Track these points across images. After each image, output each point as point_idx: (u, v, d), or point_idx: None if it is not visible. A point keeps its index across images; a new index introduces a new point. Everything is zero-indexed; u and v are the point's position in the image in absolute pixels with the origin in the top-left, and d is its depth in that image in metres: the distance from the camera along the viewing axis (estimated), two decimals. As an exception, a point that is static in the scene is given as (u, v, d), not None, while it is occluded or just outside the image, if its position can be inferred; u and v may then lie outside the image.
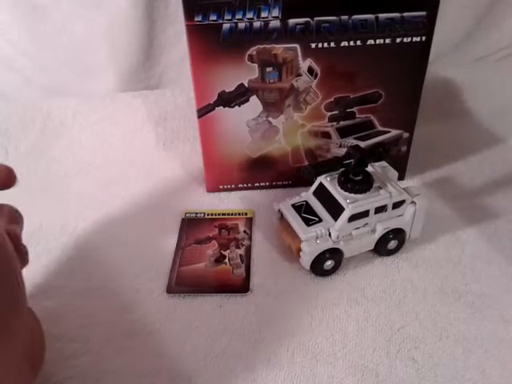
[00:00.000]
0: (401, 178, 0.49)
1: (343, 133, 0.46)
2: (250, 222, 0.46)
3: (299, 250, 0.39)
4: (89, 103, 0.65)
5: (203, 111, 0.44)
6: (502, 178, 0.52)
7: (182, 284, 0.40)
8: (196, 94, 0.43)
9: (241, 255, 0.42)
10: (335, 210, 0.39)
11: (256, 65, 0.41)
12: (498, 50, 0.75)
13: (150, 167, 0.55)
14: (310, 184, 0.43)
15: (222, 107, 0.44)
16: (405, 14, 0.39)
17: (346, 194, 0.39)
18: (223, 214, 0.47)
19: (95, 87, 0.69)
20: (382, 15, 0.39)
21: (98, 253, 0.44)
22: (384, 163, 0.43)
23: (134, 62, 0.69)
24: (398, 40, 0.41)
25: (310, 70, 0.42)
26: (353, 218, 0.39)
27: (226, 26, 0.39)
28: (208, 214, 0.47)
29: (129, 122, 0.62)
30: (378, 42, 0.41)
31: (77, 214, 0.48)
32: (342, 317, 0.37)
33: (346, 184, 0.39)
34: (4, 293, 0.25)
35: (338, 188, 0.40)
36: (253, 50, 0.40)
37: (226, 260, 0.42)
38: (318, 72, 0.42)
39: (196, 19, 0.38)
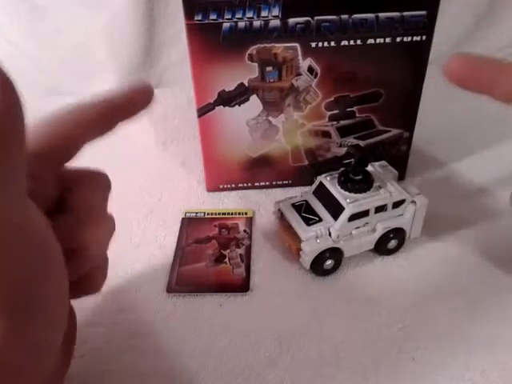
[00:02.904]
0: (401, 177, 0.49)
1: (343, 132, 0.46)
2: (250, 221, 0.46)
3: (299, 249, 0.39)
4: (89, 103, 0.65)
5: (203, 110, 0.44)
6: (502, 177, 0.52)
7: (182, 283, 0.40)
8: (196, 93, 0.43)
9: (241, 255, 0.42)
10: (335, 209, 0.39)
11: (256, 64, 0.41)
12: (498, 50, 0.75)
13: (149, 167, 0.55)
14: (310, 183, 0.43)
15: (222, 106, 0.44)
16: (405, 13, 0.39)
17: (346, 193, 0.39)
18: (223, 214, 0.47)
19: (95, 87, 0.69)
20: (382, 14, 0.39)
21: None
22: (384, 163, 0.43)
23: (134, 61, 0.69)
24: (398, 39, 0.41)
25: (310, 70, 0.42)
26: (353, 217, 0.39)
27: (226, 25, 0.39)
28: (208, 214, 0.47)
29: (129, 122, 0.62)
30: (378, 41, 0.41)
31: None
32: (342, 316, 0.37)
33: (346, 183, 0.39)
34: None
35: (338, 187, 0.40)
36: (253, 49, 0.40)
37: (226, 259, 0.42)
38: (318, 71, 0.42)
39: (196, 18, 0.38)
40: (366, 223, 0.40)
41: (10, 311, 0.20)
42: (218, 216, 0.47)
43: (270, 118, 0.45)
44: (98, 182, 0.28)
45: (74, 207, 0.26)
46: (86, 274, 0.27)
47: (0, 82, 0.20)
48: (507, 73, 0.25)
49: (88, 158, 0.28)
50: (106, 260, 0.30)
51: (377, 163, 0.43)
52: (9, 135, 0.20)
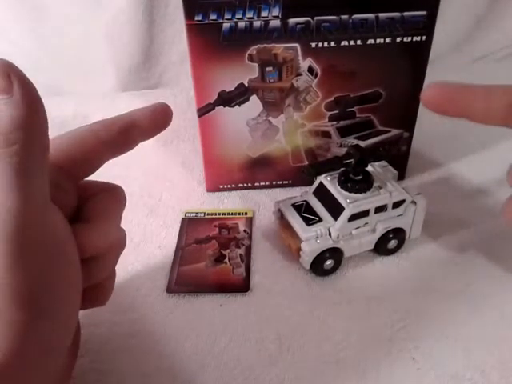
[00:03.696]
0: (401, 177, 0.49)
1: (343, 132, 0.46)
2: (250, 221, 0.46)
3: (299, 249, 0.39)
4: (89, 103, 0.65)
5: (203, 111, 0.44)
6: (502, 177, 0.51)
7: (182, 283, 0.40)
8: (196, 93, 0.43)
9: (241, 255, 0.42)
10: (335, 209, 0.39)
11: (256, 64, 0.41)
12: (497, 50, 0.75)
13: (149, 167, 0.55)
14: (310, 184, 0.43)
15: (222, 107, 0.44)
16: (405, 13, 0.39)
17: (346, 193, 0.39)
18: (223, 214, 0.47)
19: (95, 87, 0.69)
20: (382, 15, 0.39)
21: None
22: (384, 163, 0.43)
23: (134, 61, 0.69)
24: (398, 39, 0.41)
25: (310, 70, 0.42)
26: (353, 217, 0.39)
27: (226, 25, 0.39)
28: (208, 214, 0.47)
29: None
30: (378, 41, 0.41)
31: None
32: (342, 316, 0.37)
33: (346, 183, 0.39)
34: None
35: (338, 187, 0.40)
36: (253, 50, 0.40)
37: (226, 259, 0.42)
38: (318, 71, 0.42)
39: (196, 18, 0.38)
40: (366, 223, 0.40)
41: (28, 304, 0.21)
42: (217, 216, 0.47)
43: (270, 118, 0.45)
44: (115, 196, 0.29)
45: (90, 217, 0.26)
46: (94, 285, 0.28)
47: (19, 81, 0.20)
48: (481, 95, 0.28)
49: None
50: (114, 274, 0.30)
51: (377, 163, 0.43)
52: (32, 127, 0.20)
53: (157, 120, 0.30)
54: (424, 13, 0.39)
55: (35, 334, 0.21)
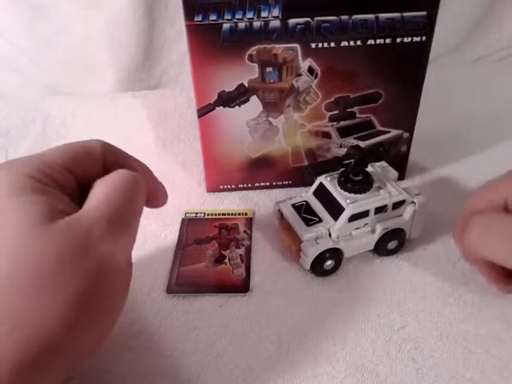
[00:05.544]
0: (401, 178, 0.49)
1: (343, 133, 0.46)
2: (250, 222, 0.46)
3: (299, 250, 0.39)
4: (89, 103, 0.65)
5: (203, 111, 0.44)
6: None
7: (182, 284, 0.40)
8: (196, 93, 0.43)
9: (241, 255, 0.42)
10: (335, 210, 0.39)
11: (256, 65, 0.41)
12: (498, 50, 0.75)
13: (149, 167, 0.55)
14: (310, 184, 0.43)
15: (222, 107, 0.44)
16: (405, 13, 0.39)
17: (346, 194, 0.39)
18: (223, 214, 0.47)
19: (95, 87, 0.69)
20: (382, 15, 0.39)
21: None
22: (384, 163, 0.43)
23: (133, 62, 0.69)
24: (398, 40, 0.41)
25: (310, 70, 0.42)
26: (353, 217, 0.39)
27: (226, 25, 0.39)
28: (208, 214, 0.47)
29: (129, 122, 0.62)
30: (378, 41, 0.41)
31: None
32: (342, 317, 0.37)
33: (346, 184, 0.39)
34: None
35: (338, 188, 0.40)
36: (253, 50, 0.40)
37: (226, 260, 0.42)
38: (318, 72, 0.42)
39: (196, 19, 0.38)
40: (366, 224, 0.40)
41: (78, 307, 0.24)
42: (218, 216, 0.47)
43: (270, 119, 0.45)
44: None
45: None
46: None
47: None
48: None
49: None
50: None
51: (377, 164, 0.43)
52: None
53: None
54: (424, 13, 0.39)
55: (72, 337, 0.24)
